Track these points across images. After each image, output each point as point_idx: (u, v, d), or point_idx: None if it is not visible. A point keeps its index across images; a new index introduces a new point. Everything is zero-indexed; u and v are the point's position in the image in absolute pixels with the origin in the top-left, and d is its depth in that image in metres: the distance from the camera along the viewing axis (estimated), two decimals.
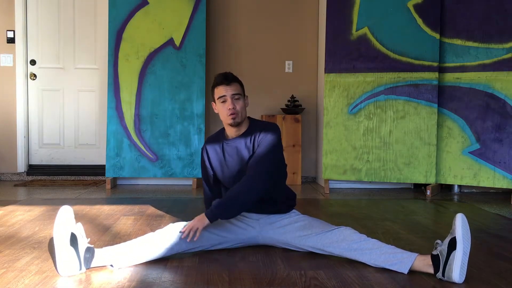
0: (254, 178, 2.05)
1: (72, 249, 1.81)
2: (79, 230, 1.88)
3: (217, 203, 2.02)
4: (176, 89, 4.33)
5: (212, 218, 2.01)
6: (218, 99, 2.13)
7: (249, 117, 2.24)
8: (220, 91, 2.13)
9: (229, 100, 2.11)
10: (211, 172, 2.28)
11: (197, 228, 1.98)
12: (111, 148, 4.28)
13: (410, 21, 3.98)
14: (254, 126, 2.18)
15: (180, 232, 2.01)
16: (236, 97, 2.13)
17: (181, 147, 4.30)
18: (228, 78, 2.14)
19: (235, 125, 2.14)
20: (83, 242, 1.86)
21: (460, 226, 1.76)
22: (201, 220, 2.00)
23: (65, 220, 1.83)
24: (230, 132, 2.20)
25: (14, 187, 4.31)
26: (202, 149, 2.30)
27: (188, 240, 1.98)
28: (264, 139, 2.12)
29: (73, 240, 1.82)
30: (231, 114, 2.11)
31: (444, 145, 3.99)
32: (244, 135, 2.18)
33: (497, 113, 3.80)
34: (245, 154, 2.15)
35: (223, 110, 2.13)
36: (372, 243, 1.95)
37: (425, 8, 3.95)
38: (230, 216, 2.06)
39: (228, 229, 2.17)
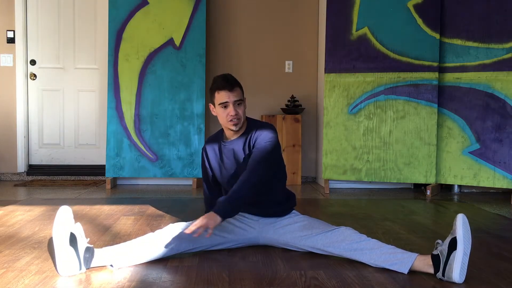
0: (253, 168, 2.03)
1: (71, 249, 1.81)
2: (78, 230, 1.88)
3: (225, 200, 1.97)
4: (176, 89, 4.33)
5: (224, 214, 1.94)
6: (219, 104, 2.09)
7: (247, 117, 2.24)
8: (222, 96, 2.08)
9: (231, 106, 2.08)
10: (210, 173, 2.29)
11: (209, 227, 1.91)
12: (111, 148, 4.28)
13: (410, 21, 3.98)
14: (251, 127, 2.17)
15: (183, 231, 1.97)
16: (238, 102, 2.09)
17: (181, 147, 4.30)
18: (230, 83, 2.09)
19: (236, 130, 2.14)
20: (83, 242, 1.86)
21: (461, 226, 1.76)
22: (213, 218, 1.92)
23: (64, 220, 1.83)
24: (229, 134, 2.19)
25: (14, 187, 4.31)
26: (202, 149, 2.30)
27: (196, 235, 1.92)
28: (260, 137, 2.11)
29: (73, 240, 1.82)
30: (233, 120, 2.09)
31: (444, 145, 3.99)
32: (241, 136, 2.17)
33: (497, 113, 3.80)
34: (241, 155, 2.15)
35: (223, 116, 2.10)
36: (373, 243, 1.95)
37: (425, 8, 3.95)
38: (239, 209, 2.03)
39: (228, 230, 2.17)
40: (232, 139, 2.19)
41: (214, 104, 2.15)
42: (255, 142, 2.11)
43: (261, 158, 2.06)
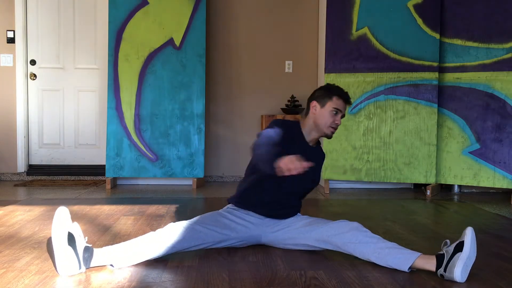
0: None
1: (70, 248, 1.81)
2: (76, 229, 1.88)
3: None
4: (176, 89, 4.33)
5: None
6: (332, 108, 2.18)
7: None
8: (340, 104, 2.19)
9: (339, 116, 2.20)
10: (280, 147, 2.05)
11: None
12: (111, 148, 4.28)
13: (410, 21, 3.98)
14: (321, 147, 2.36)
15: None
16: (342, 117, 2.24)
17: (181, 147, 4.30)
18: (349, 101, 2.23)
19: (328, 137, 2.25)
20: (81, 242, 1.86)
21: (470, 236, 1.80)
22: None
23: (62, 220, 1.83)
24: (314, 137, 2.26)
25: (14, 187, 4.31)
26: (279, 123, 2.19)
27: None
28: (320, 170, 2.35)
29: (71, 239, 1.82)
30: (333, 128, 2.20)
31: (444, 145, 3.99)
32: (317, 149, 2.30)
33: (497, 113, 3.80)
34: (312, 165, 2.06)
35: (329, 119, 2.19)
36: (377, 238, 1.98)
37: (425, 8, 3.95)
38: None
39: (231, 227, 2.17)
40: (310, 144, 2.27)
41: (323, 105, 2.21)
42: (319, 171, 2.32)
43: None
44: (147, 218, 2.93)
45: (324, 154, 2.38)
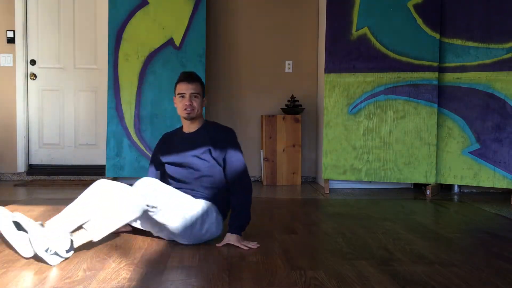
0: (245, 190, 2.33)
1: (21, 233, 1.98)
2: (21, 217, 1.99)
3: (235, 218, 2.27)
4: None
5: (241, 231, 2.28)
6: (177, 94, 2.38)
7: (205, 119, 2.50)
8: (182, 87, 2.36)
9: (186, 98, 2.34)
10: (159, 157, 2.50)
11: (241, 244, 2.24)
12: (111, 148, 4.28)
13: (410, 21, 3.98)
14: (209, 127, 2.43)
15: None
16: (195, 95, 2.36)
17: None
18: (188, 78, 2.36)
19: (189, 119, 2.37)
20: (31, 224, 1.96)
21: None
22: (236, 238, 2.24)
23: (2, 216, 2.00)
24: (186, 126, 2.44)
25: (14, 187, 4.31)
26: (158, 141, 2.59)
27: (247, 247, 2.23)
28: (234, 154, 2.36)
29: (18, 226, 1.99)
30: (186, 110, 2.34)
31: (444, 145, 3.99)
32: (198, 132, 2.40)
33: (497, 113, 3.80)
34: (194, 146, 2.35)
35: (179, 105, 2.37)
36: None
37: (425, 8, 3.95)
38: (247, 220, 2.31)
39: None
40: (189, 131, 2.43)
41: (174, 95, 2.42)
42: (230, 159, 2.35)
43: (246, 179, 2.36)
44: None
45: (219, 131, 2.42)
